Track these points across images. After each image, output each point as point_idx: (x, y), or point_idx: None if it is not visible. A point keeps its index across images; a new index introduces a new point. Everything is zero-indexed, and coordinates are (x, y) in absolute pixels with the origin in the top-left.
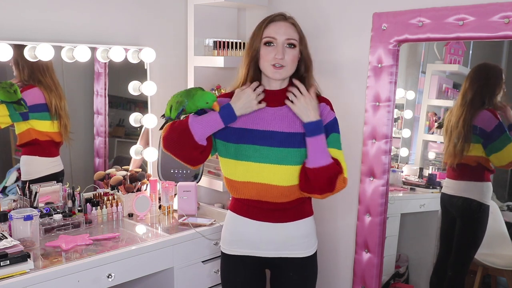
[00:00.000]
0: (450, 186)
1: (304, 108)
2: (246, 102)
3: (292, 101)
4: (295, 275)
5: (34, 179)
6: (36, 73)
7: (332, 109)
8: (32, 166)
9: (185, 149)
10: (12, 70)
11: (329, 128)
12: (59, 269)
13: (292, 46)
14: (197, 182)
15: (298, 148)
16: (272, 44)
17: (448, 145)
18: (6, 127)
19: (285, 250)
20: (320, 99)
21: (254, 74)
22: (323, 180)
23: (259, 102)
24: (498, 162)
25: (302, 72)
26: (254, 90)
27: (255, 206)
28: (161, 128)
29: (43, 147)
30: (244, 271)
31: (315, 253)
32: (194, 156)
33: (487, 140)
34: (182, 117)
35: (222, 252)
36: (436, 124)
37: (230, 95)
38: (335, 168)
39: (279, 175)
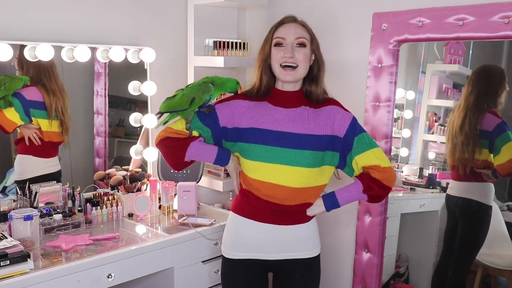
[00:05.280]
0: (453, 187)
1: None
2: (232, 172)
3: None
4: (301, 276)
5: (27, 179)
6: (41, 76)
7: (344, 108)
8: (26, 165)
9: (171, 158)
10: (15, 70)
11: (349, 134)
12: (59, 269)
13: (302, 46)
14: (197, 182)
15: (311, 150)
16: (282, 45)
17: (453, 148)
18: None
19: (291, 251)
20: (329, 101)
21: (268, 77)
22: (378, 200)
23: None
24: (500, 167)
25: (315, 73)
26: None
27: (261, 205)
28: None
29: (40, 146)
30: (246, 275)
31: (319, 254)
32: (176, 165)
33: (490, 141)
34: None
35: (223, 256)
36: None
37: (243, 96)
38: (376, 190)
39: (290, 176)
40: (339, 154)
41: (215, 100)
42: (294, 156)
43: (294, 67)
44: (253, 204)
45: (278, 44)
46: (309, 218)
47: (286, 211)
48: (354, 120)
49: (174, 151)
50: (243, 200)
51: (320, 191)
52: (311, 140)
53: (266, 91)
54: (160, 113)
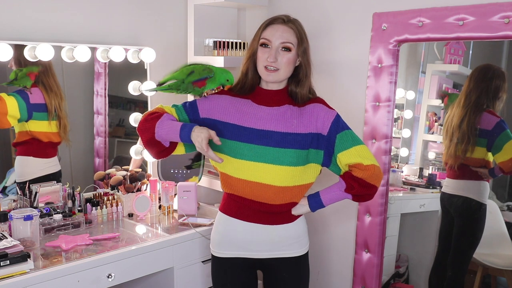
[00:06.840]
0: (449, 185)
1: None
2: (196, 142)
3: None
4: (289, 275)
5: (28, 180)
6: (40, 74)
7: (329, 106)
8: (26, 167)
9: (143, 133)
10: (11, 71)
11: (332, 132)
12: (59, 269)
13: (287, 50)
14: (197, 182)
15: (295, 149)
16: (267, 46)
17: (449, 145)
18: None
19: (278, 250)
20: (314, 100)
21: (253, 74)
22: (363, 199)
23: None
24: (503, 165)
25: (301, 75)
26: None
27: (247, 206)
28: (159, 85)
29: (39, 147)
30: (235, 273)
31: (307, 252)
32: (153, 151)
33: (490, 140)
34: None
35: (212, 255)
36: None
37: (228, 91)
38: (358, 189)
39: (274, 174)
40: (324, 152)
41: (206, 92)
42: (277, 155)
43: (276, 69)
44: (239, 205)
45: (264, 45)
46: (296, 217)
47: (272, 211)
48: (337, 117)
49: (145, 125)
50: (229, 200)
51: (305, 190)
52: (294, 138)
53: (250, 88)
54: (159, 84)
